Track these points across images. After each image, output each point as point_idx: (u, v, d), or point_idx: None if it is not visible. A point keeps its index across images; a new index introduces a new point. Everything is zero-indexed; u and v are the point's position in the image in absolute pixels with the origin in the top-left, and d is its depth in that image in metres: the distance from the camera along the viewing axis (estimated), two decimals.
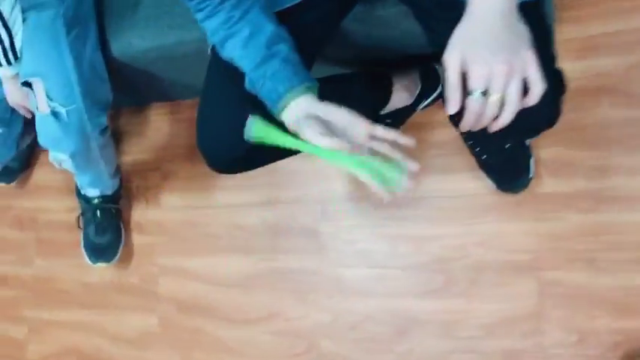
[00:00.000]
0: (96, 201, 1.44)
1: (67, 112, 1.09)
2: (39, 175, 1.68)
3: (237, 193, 1.42)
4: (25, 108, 1.22)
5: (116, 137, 1.54)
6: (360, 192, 1.30)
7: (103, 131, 1.22)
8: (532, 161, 1.12)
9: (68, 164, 1.19)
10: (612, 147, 1.11)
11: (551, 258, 1.12)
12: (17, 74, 1.12)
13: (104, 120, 1.21)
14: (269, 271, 1.35)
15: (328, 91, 0.79)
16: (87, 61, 1.14)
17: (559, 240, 1.12)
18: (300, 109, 0.75)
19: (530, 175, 1.12)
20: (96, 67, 1.17)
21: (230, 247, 1.40)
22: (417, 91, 1.16)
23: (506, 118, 0.64)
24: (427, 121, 1.24)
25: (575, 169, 1.12)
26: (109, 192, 1.43)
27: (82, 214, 1.47)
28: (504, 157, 1.11)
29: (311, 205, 1.34)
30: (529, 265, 1.13)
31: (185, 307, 1.42)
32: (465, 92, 0.65)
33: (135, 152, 1.55)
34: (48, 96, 1.08)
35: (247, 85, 0.81)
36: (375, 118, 1.17)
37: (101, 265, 1.44)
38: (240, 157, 0.90)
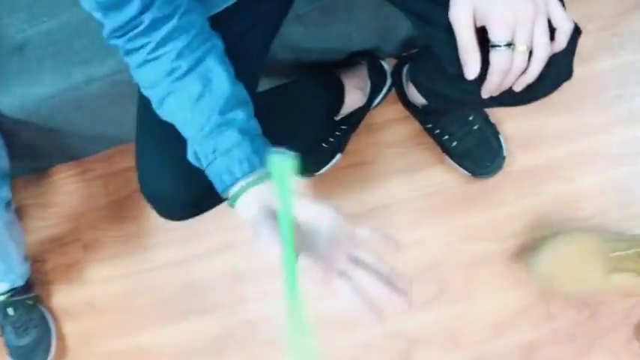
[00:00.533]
0: (4, 297, 1.17)
1: None
2: None
3: (181, 247, 1.22)
4: None
5: (17, 213, 1.29)
6: None
7: (7, 206, 0.99)
8: (501, 138, 1.06)
9: None
10: (576, 108, 1.08)
11: (543, 235, 1.06)
12: None
13: (6, 192, 0.98)
14: (238, 326, 1.17)
15: (277, 103, 0.66)
16: None
17: (545, 215, 1.06)
18: (261, 198, 0.54)
19: (504, 154, 1.05)
20: None
21: (185, 310, 1.20)
22: (368, 90, 1.06)
23: (536, 68, 0.55)
24: (379, 121, 1.15)
25: (545, 137, 1.08)
26: (20, 282, 1.17)
27: None
28: (475, 139, 1.03)
29: None
30: (521, 249, 1.06)
31: None
32: (483, 50, 0.56)
33: (45, 227, 1.30)
34: None
35: (189, 156, 0.61)
36: (331, 126, 1.06)
37: None
38: (192, 200, 0.75)
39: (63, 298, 1.27)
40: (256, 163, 0.56)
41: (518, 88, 0.59)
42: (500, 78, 0.56)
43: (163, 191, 0.75)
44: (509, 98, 0.63)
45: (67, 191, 1.31)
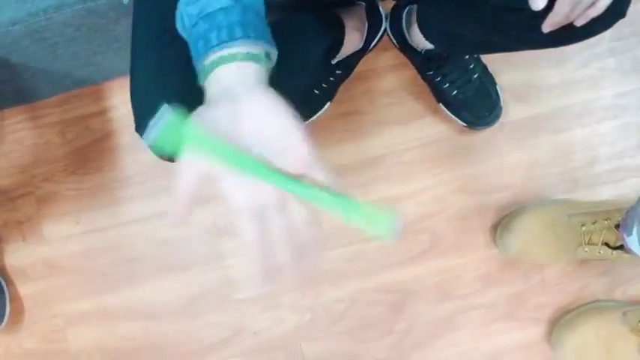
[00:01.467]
0: None
1: None
2: None
3: (152, 201, 1.13)
4: None
5: None
6: None
7: None
8: (499, 89, 1.04)
9: None
10: (570, 60, 1.07)
11: (535, 188, 1.06)
12: None
13: None
14: (218, 283, 1.10)
15: (276, 38, 0.59)
16: None
17: (538, 167, 1.07)
18: (237, 81, 0.45)
19: (501, 105, 1.03)
20: None
21: (159, 267, 1.11)
22: (366, 32, 1.00)
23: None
24: (371, 69, 1.09)
25: (538, 90, 1.07)
26: None
27: None
28: (474, 88, 1.01)
29: None
30: (514, 201, 1.06)
31: (115, 357, 1.11)
32: None
33: None
34: None
35: (177, 21, 0.52)
36: (328, 69, 0.99)
37: None
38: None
39: (16, 257, 1.14)
40: (238, 35, 0.47)
41: (581, 22, 0.56)
42: (569, 8, 0.53)
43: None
44: (559, 35, 0.60)
45: (16, 139, 1.17)
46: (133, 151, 1.14)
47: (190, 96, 0.49)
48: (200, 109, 0.46)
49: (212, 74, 0.46)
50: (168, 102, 0.57)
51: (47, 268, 1.13)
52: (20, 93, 1.10)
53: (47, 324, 1.12)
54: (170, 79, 0.60)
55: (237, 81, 0.45)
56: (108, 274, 1.12)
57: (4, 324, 1.09)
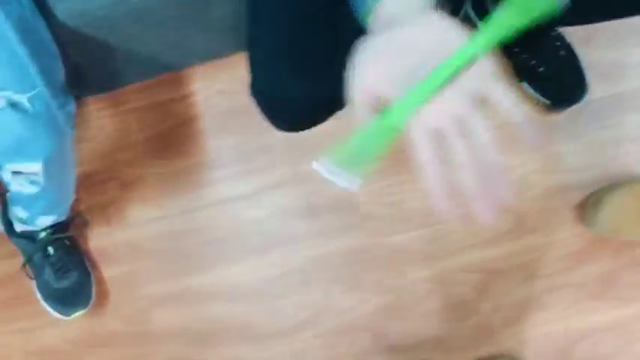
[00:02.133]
0: (43, 235, 1.06)
1: (30, 99, 0.75)
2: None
3: (235, 183, 1.15)
4: None
5: None
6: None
7: (73, 123, 0.89)
8: (583, 66, 1.04)
9: (36, 182, 0.84)
10: None
11: (619, 166, 1.06)
12: None
13: (73, 107, 0.88)
14: (301, 264, 1.11)
15: None
16: (31, 29, 0.80)
17: (622, 145, 1.06)
18: (407, 6, 0.44)
19: (587, 81, 1.03)
20: (42, 37, 0.83)
21: (242, 249, 1.13)
22: None
23: None
24: None
25: (624, 68, 1.07)
26: (63, 218, 1.06)
27: (28, 259, 1.08)
28: (561, 65, 1.01)
29: None
30: (599, 179, 1.05)
31: (199, 338, 1.12)
32: None
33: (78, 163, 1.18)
34: None
35: None
36: None
37: (78, 314, 1.07)
38: (317, 103, 0.68)
39: (101, 240, 1.16)
40: None
41: None
42: None
43: (286, 96, 0.68)
44: None
45: (99, 125, 1.20)
46: (214, 136, 1.16)
47: (342, 46, 0.50)
48: (367, 40, 0.45)
49: (379, 3, 0.45)
50: (319, 58, 0.57)
51: (131, 251, 1.15)
52: (108, 78, 1.13)
53: (132, 306, 1.14)
54: (315, 36, 0.61)
55: (407, 6, 0.44)
56: (192, 256, 1.13)
57: (89, 306, 1.10)
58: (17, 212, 0.99)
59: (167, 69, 1.15)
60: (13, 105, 0.74)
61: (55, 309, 1.08)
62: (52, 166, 0.82)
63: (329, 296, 1.10)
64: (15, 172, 0.81)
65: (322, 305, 1.10)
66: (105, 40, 0.97)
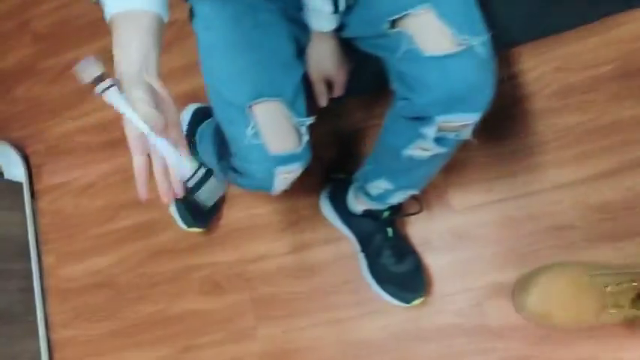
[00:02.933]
0: (386, 214, 1.02)
1: (482, 44, 0.71)
2: (232, 215, 1.22)
3: (575, 166, 1.05)
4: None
5: None
6: None
7: None
8: None
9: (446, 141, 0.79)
10: None
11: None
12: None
13: None
14: None
15: None
16: None
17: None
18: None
19: None
20: None
21: (594, 236, 1.02)
22: None
23: None
24: None
25: None
26: (417, 191, 1.01)
27: (365, 242, 1.05)
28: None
29: None
30: None
31: (542, 337, 1.02)
32: None
33: None
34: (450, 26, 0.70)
35: None
36: None
37: (418, 301, 1.04)
38: None
39: (421, 227, 1.11)
40: None
41: None
42: None
43: None
44: None
45: None
46: (546, 116, 1.08)
47: None
48: None
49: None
50: None
51: (456, 239, 1.09)
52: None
53: (460, 297, 1.07)
54: None
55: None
56: (532, 244, 1.05)
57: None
58: (377, 184, 0.94)
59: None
60: (469, 50, 0.70)
61: (394, 295, 1.03)
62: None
63: None
64: (441, 129, 0.75)
65: None
66: None
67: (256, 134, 0.77)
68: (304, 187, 1.15)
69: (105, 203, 1.31)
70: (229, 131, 0.81)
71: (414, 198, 1.07)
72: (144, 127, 0.56)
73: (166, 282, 1.23)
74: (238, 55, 0.79)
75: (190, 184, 1.13)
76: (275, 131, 0.79)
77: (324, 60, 0.88)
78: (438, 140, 0.78)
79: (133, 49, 0.57)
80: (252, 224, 1.20)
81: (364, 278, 1.08)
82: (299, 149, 0.81)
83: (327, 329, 1.12)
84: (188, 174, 0.62)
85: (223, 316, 1.18)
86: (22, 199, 1.34)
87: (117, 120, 1.32)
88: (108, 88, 0.57)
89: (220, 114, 0.82)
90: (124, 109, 0.57)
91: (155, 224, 1.26)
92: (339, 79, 0.92)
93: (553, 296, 0.95)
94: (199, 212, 1.15)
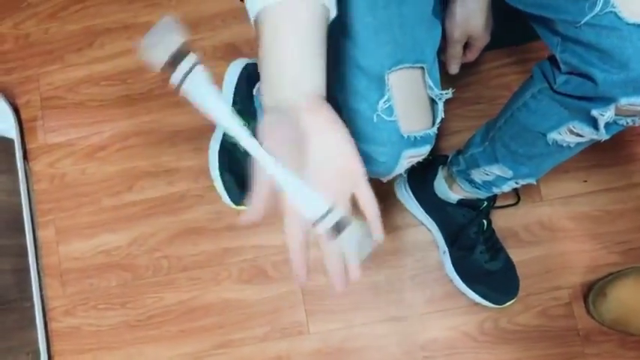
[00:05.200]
0: (484, 205, 0.89)
1: None
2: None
3: None
4: None
5: None
6: None
7: None
8: None
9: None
10: None
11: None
12: None
13: None
14: None
15: None
16: None
17: None
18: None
19: None
20: None
21: None
22: None
23: None
24: None
25: None
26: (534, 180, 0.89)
27: (459, 232, 0.92)
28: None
29: None
30: None
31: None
32: None
33: None
34: None
35: None
36: None
37: (510, 302, 0.93)
38: None
39: (508, 217, 0.99)
40: None
41: None
42: None
43: None
44: None
45: (502, 83, 1.03)
46: None
47: None
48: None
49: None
50: None
51: (545, 232, 0.98)
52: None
53: (546, 297, 0.97)
54: None
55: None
56: (628, 242, 0.96)
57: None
58: (488, 170, 0.81)
59: None
60: None
61: (485, 296, 0.92)
62: None
63: None
64: (618, 112, 0.63)
65: None
66: None
67: (389, 109, 0.62)
68: None
69: (119, 170, 1.10)
70: (352, 105, 0.65)
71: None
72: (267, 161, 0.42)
73: (197, 266, 1.05)
74: (379, 6, 0.62)
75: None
76: (412, 106, 0.64)
77: (473, 16, 0.73)
78: (607, 125, 0.65)
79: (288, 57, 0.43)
80: None
81: (448, 275, 0.96)
82: (433, 129, 0.66)
83: (390, 327, 0.99)
84: (318, 214, 0.44)
85: (268, 309, 1.02)
86: (12, 160, 1.10)
87: (139, 71, 1.13)
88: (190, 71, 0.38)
89: (343, 84, 0.65)
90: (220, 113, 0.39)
91: (183, 198, 1.07)
92: (482, 41, 0.77)
93: (628, 303, 0.88)
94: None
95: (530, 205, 0.98)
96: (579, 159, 0.97)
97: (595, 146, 0.97)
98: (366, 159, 0.66)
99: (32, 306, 1.05)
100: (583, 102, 0.63)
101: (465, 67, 1.02)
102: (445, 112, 0.96)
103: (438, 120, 0.67)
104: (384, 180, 0.71)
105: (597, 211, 0.97)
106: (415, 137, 0.64)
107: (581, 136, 0.68)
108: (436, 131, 0.66)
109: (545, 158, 0.76)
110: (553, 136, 0.69)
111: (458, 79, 1.03)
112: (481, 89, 1.03)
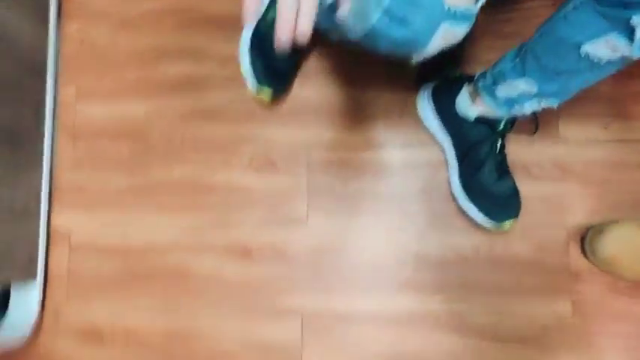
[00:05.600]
0: (501, 126, 0.90)
1: None
2: (303, 93, 1.06)
3: None
4: None
5: None
6: None
7: None
8: None
9: None
10: None
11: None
12: None
13: None
14: None
15: None
16: None
17: None
18: None
19: None
20: None
21: None
22: None
23: None
24: None
25: None
26: (556, 104, 0.90)
27: (469, 149, 0.92)
28: None
29: None
30: None
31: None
32: None
33: None
34: None
35: None
36: None
37: (509, 222, 0.94)
38: None
39: (523, 149, 1.00)
40: None
41: None
42: None
43: None
44: None
45: None
46: None
47: None
48: None
49: None
50: None
51: (557, 171, 0.99)
52: None
53: (545, 232, 0.98)
54: None
55: None
56: (636, 193, 0.97)
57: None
58: (514, 84, 0.81)
59: None
60: None
61: (486, 211, 0.93)
62: None
63: None
64: None
65: None
66: None
67: None
68: (396, 78, 1.01)
69: (149, 44, 1.10)
70: None
71: (533, 115, 0.96)
72: None
73: (210, 148, 1.06)
74: None
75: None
76: None
77: None
78: None
79: None
80: (323, 107, 1.04)
81: (453, 193, 0.97)
82: (475, 8, 0.66)
83: (389, 235, 1.00)
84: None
85: (272, 197, 1.03)
86: (45, 12, 1.10)
87: None
88: None
89: None
90: None
91: (207, 80, 1.08)
92: None
93: (623, 248, 0.89)
94: (276, 73, 0.98)
95: (547, 141, 0.99)
96: (603, 105, 0.98)
97: (620, 96, 0.98)
98: (405, 21, 0.66)
99: (41, 151, 1.06)
100: (625, 10, 0.64)
101: (510, 2, 1.03)
102: (480, 44, 0.96)
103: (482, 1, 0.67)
104: (414, 61, 0.72)
105: (612, 159, 0.98)
106: (456, 11, 0.65)
107: (615, 51, 0.68)
108: (477, 12, 0.66)
109: (573, 76, 0.76)
110: (587, 48, 0.69)
111: (500, 13, 1.03)
112: (522, 26, 1.02)
